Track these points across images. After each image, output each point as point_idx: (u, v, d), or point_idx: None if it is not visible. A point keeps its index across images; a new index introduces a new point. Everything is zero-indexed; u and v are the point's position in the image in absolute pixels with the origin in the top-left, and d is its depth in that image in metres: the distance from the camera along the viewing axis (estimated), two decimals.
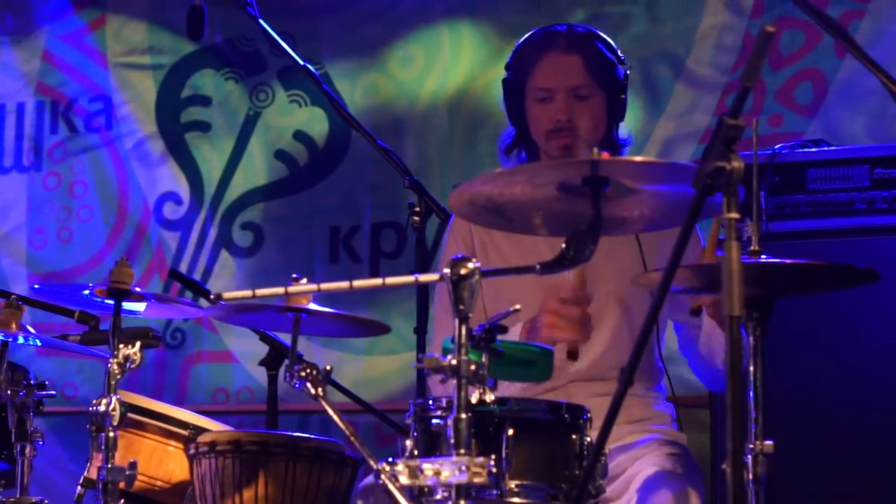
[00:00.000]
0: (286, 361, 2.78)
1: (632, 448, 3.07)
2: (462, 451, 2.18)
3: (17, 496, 3.34)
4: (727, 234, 1.90)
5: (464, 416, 2.20)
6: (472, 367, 2.21)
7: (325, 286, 2.54)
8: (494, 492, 2.39)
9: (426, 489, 2.31)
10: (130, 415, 3.05)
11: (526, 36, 3.33)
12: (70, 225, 5.67)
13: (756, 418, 2.52)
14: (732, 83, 4.72)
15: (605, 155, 2.24)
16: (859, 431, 3.42)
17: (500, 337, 2.31)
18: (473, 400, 2.23)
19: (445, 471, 2.17)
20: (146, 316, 3.17)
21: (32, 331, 3.30)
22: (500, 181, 2.35)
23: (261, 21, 3.61)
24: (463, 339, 2.22)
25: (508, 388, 2.91)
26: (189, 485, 3.23)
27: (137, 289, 2.97)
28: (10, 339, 3.29)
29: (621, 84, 3.27)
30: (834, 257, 3.01)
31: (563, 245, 2.30)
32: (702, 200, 1.92)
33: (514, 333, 2.94)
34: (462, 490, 2.18)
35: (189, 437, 3.34)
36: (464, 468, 2.16)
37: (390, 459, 2.28)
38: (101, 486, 2.92)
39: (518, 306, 2.35)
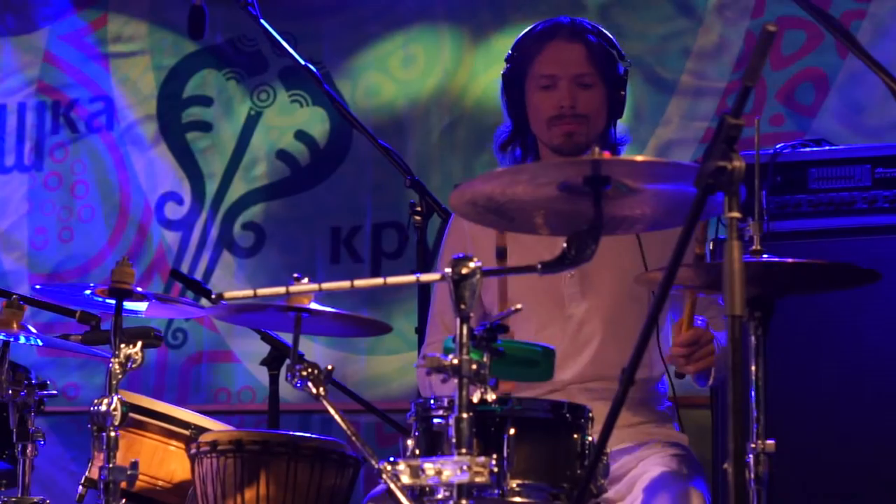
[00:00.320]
0: (287, 361, 2.77)
1: (634, 450, 3.07)
2: (463, 450, 2.18)
3: (19, 496, 3.34)
4: (729, 234, 1.90)
5: (465, 415, 2.20)
6: (474, 367, 2.21)
7: (326, 286, 2.54)
8: (496, 491, 2.39)
9: (427, 489, 2.31)
10: (132, 414, 3.05)
11: (528, 28, 3.33)
12: (71, 225, 5.67)
13: (758, 418, 2.52)
14: (734, 83, 4.72)
15: (607, 154, 2.24)
16: (861, 431, 3.41)
17: (501, 336, 2.31)
18: (475, 399, 2.23)
19: (447, 470, 2.17)
20: (147, 316, 3.17)
21: (34, 330, 3.30)
22: (502, 181, 2.35)
23: (262, 21, 3.61)
24: (464, 339, 2.22)
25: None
26: (190, 484, 3.23)
27: (139, 289, 2.97)
28: (12, 339, 3.28)
29: (621, 79, 3.27)
30: (835, 257, 3.02)
31: (564, 244, 2.30)
32: (703, 200, 1.92)
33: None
34: (463, 490, 2.18)
35: (190, 436, 3.34)
36: (465, 468, 2.16)
37: (392, 459, 2.28)
38: (102, 486, 2.92)
39: (519, 305, 2.35)
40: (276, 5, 4.61)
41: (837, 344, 3.48)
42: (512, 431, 2.41)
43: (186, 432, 3.38)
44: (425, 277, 2.47)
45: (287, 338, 2.87)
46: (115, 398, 2.92)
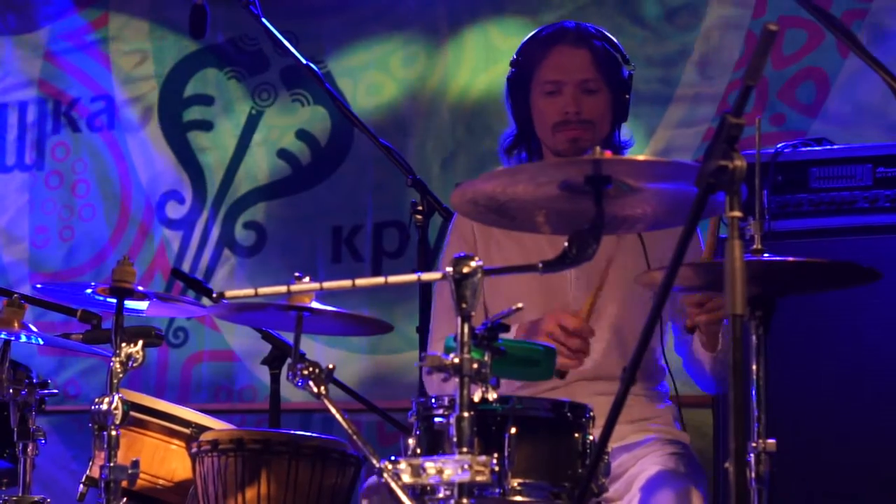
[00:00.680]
0: (289, 360, 2.77)
1: (634, 448, 3.07)
2: (465, 449, 2.18)
3: (20, 495, 3.34)
4: (730, 233, 1.90)
5: (466, 414, 2.20)
6: (475, 366, 2.21)
7: (327, 285, 2.53)
8: (497, 490, 2.39)
9: (429, 488, 2.31)
10: (133, 413, 3.06)
11: (533, 32, 3.33)
12: (72, 224, 5.68)
13: (758, 417, 2.52)
14: (735, 82, 4.72)
15: (608, 154, 2.24)
16: (862, 430, 3.41)
17: (502, 335, 2.30)
18: (476, 398, 2.23)
19: (448, 469, 2.17)
20: (149, 315, 3.17)
21: (35, 329, 3.30)
22: (503, 180, 2.35)
23: (263, 20, 3.61)
24: (465, 338, 2.22)
25: (508, 387, 2.92)
26: (191, 483, 3.24)
27: (140, 287, 2.98)
28: (13, 338, 3.29)
29: (626, 83, 3.28)
30: (836, 256, 3.02)
31: (566, 243, 2.30)
32: (704, 199, 1.92)
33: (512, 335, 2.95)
34: (464, 488, 2.18)
35: (191, 435, 3.34)
36: (466, 467, 2.16)
37: (393, 458, 2.28)
38: (103, 485, 2.93)
39: (520, 305, 2.35)
40: (277, 4, 4.61)
41: (838, 343, 3.48)
42: (513, 430, 2.41)
43: (187, 431, 3.38)
44: (426, 276, 2.47)
45: (288, 337, 2.88)
46: (117, 397, 2.92)
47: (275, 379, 3.68)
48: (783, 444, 2.52)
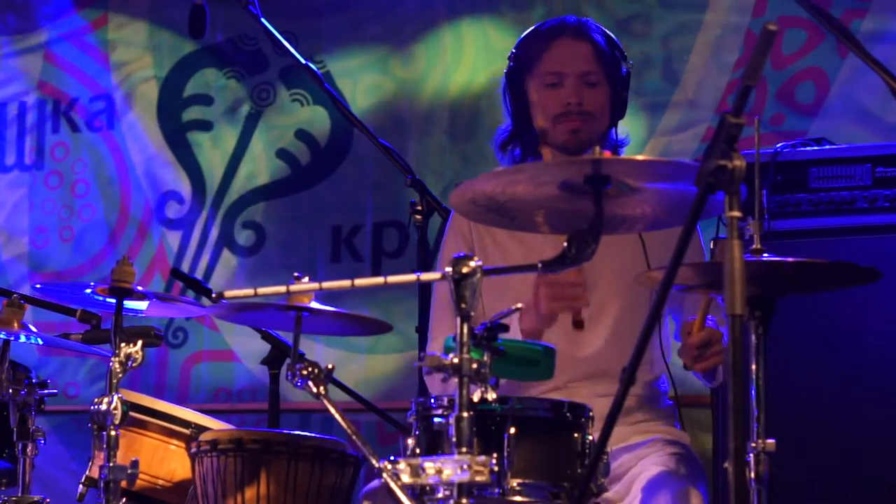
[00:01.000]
0: (288, 360, 2.77)
1: (634, 448, 3.07)
2: (464, 449, 2.18)
3: (19, 495, 3.34)
4: (729, 233, 1.90)
5: (465, 414, 2.20)
6: (474, 366, 2.21)
7: (326, 285, 2.53)
8: (496, 490, 2.39)
9: (428, 488, 2.31)
10: (132, 413, 3.06)
11: (532, 27, 3.33)
12: (72, 224, 5.67)
13: (758, 417, 2.52)
14: (734, 82, 4.72)
15: (607, 154, 2.24)
16: (861, 430, 3.41)
17: (501, 335, 2.30)
18: (475, 398, 2.23)
19: (447, 469, 2.17)
20: (148, 315, 3.17)
21: (34, 329, 3.30)
22: (502, 180, 2.35)
23: (263, 20, 3.61)
24: (464, 338, 2.22)
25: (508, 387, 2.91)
26: (191, 483, 3.24)
27: (139, 287, 2.97)
28: (12, 338, 3.29)
29: (624, 80, 3.28)
30: (836, 256, 3.01)
31: (565, 243, 2.30)
32: (704, 199, 1.92)
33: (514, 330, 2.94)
34: (464, 489, 2.17)
35: (191, 435, 3.34)
36: (465, 467, 2.16)
37: (392, 458, 2.28)
38: (102, 485, 2.92)
39: (520, 304, 2.35)
40: (276, 4, 4.61)
41: (837, 343, 3.48)
42: (512, 430, 2.41)
43: (187, 431, 3.38)
44: (426, 276, 2.47)
45: (287, 337, 2.87)
46: (116, 397, 2.92)
47: (274, 379, 3.68)
48: (783, 444, 2.52)
